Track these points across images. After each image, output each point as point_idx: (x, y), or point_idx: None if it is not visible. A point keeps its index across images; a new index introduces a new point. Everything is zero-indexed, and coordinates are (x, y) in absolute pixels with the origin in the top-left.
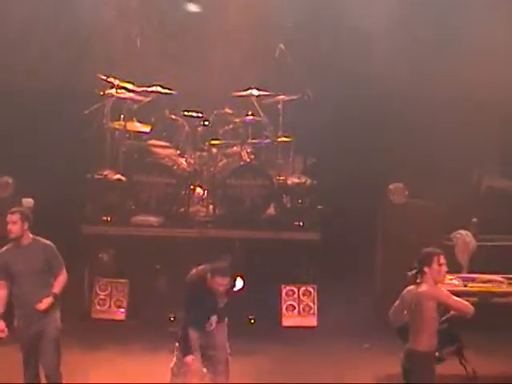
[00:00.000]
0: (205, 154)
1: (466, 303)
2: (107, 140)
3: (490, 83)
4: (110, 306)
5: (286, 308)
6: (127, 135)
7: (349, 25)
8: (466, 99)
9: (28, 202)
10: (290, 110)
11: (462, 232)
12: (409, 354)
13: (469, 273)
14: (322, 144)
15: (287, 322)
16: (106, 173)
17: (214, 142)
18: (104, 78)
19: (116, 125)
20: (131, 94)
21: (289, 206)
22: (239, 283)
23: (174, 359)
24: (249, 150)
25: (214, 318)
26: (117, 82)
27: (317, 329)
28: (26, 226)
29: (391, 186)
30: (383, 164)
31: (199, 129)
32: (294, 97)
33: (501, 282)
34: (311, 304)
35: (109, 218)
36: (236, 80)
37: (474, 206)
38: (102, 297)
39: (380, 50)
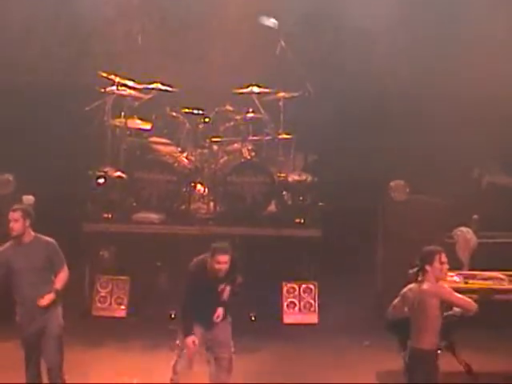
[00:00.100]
0: (206, 151)
1: (469, 300)
2: (108, 137)
3: (490, 80)
4: (110, 304)
5: (287, 305)
6: (128, 132)
7: (350, 22)
8: (466, 96)
9: (29, 199)
10: (291, 107)
11: (463, 229)
12: (412, 352)
13: (470, 270)
14: (322, 141)
15: (288, 319)
16: (107, 170)
17: (214, 139)
18: (105, 75)
19: (117, 122)
20: (132, 91)
21: (290, 203)
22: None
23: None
24: (250, 147)
25: (220, 310)
26: (118, 79)
27: (317, 326)
28: (27, 224)
29: (392, 183)
30: (384, 161)
31: (200, 126)
32: (295, 94)
33: (502, 279)
34: (312, 301)
35: (110, 215)
36: (237, 77)
37: (474, 203)
38: (102, 294)
39: (381, 47)
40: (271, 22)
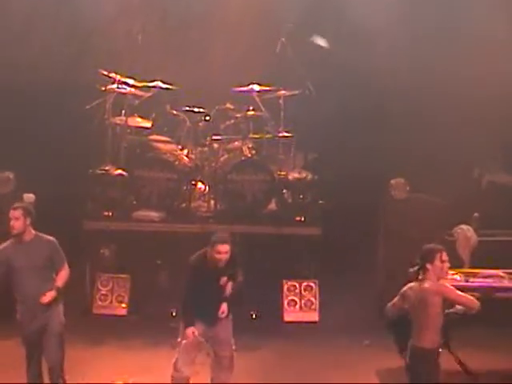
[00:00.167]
0: (206, 149)
1: (471, 298)
2: (108, 135)
3: (491, 79)
4: (111, 302)
5: (288, 303)
6: (128, 130)
7: (350, 20)
8: (467, 94)
9: (29, 197)
10: (292, 105)
11: (464, 227)
12: (413, 350)
13: (470, 268)
14: (323, 139)
15: (289, 317)
16: (107, 168)
17: (215, 137)
18: (105, 73)
19: (117, 120)
20: (132, 90)
21: (290, 201)
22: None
23: (177, 355)
24: (250, 145)
25: (224, 306)
26: (118, 78)
27: (318, 324)
28: (28, 222)
29: (392, 181)
30: (384, 159)
31: (200, 124)
32: (296, 92)
33: (502, 277)
34: (313, 299)
35: (110, 214)
36: (237, 75)
37: (475, 201)
38: (103, 292)
39: (382, 46)
40: (323, 41)
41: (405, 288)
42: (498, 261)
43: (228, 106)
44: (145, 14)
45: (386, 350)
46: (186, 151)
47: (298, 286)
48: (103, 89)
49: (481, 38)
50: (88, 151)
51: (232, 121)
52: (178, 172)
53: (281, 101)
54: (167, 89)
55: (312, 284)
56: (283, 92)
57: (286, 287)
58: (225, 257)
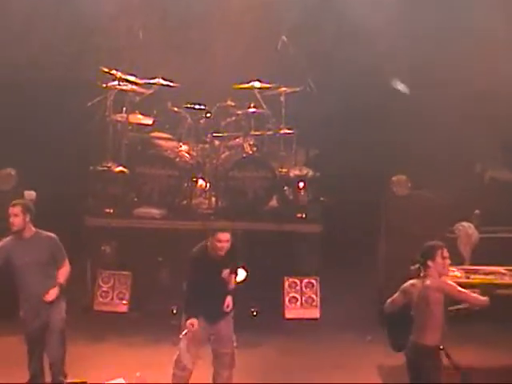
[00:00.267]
0: (207, 146)
1: (474, 295)
2: (110, 132)
3: (492, 76)
4: (112, 298)
5: (289, 300)
6: (130, 127)
7: (351, 17)
8: (468, 91)
9: (30, 194)
10: (293, 102)
11: (465, 224)
12: (416, 348)
13: (471, 265)
14: (324, 136)
15: (290, 314)
16: (108, 165)
17: (216, 134)
18: (106, 70)
19: (118, 117)
20: (134, 87)
21: (291, 197)
22: (242, 274)
23: (178, 352)
24: (251, 142)
25: (229, 299)
26: (119, 75)
27: (319, 321)
28: (27, 219)
29: (394, 178)
30: (386, 156)
31: (201, 121)
32: (297, 89)
33: (503, 273)
34: (314, 296)
35: (111, 210)
36: (238, 72)
37: (476, 198)
38: (104, 289)
39: (382, 42)
40: (403, 87)
41: (406, 284)
42: (499, 258)
43: (229, 102)
44: (146, 11)
45: (389, 345)
46: (187, 148)
47: (299, 282)
48: (104, 86)
49: (481, 35)
50: (89, 148)
51: (233, 118)
52: (179, 169)
53: (282, 98)
54: (168, 86)
55: (313, 281)
56: (284, 89)
57: (287, 284)
58: (226, 245)
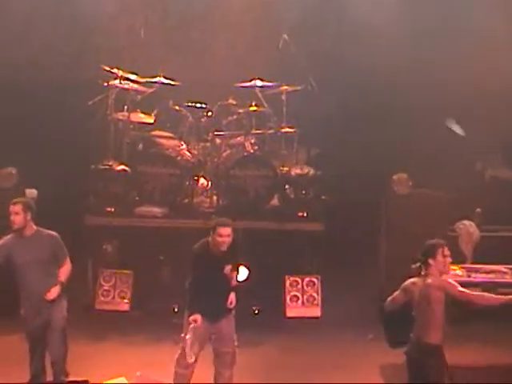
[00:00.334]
0: (208, 144)
1: (475, 293)
2: (111, 131)
3: (493, 74)
4: (113, 297)
5: (290, 299)
6: (131, 126)
7: (352, 15)
8: (469, 89)
9: (31, 192)
10: (294, 101)
11: (466, 222)
12: (418, 346)
13: (472, 263)
14: (325, 135)
15: (291, 312)
16: (110, 163)
17: (217, 132)
18: (108, 68)
19: (120, 116)
20: (135, 85)
21: (292, 196)
22: (243, 272)
23: (179, 350)
24: (252, 141)
25: (233, 296)
26: (120, 73)
27: (320, 319)
28: (28, 217)
29: (395, 177)
30: (387, 155)
31: (203, 120)
32: (298, 87)
33: (504, 272)
34: (315, 294)
35: (113, 209)
36: (240, 71)
37: (477, 197)
38: (106, 288)
39: (384, 41)
40: (458, 128)
41: (406, 282)
42: (501, 256)
43: (230, 101)
44: (147, 10)
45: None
46: (188, 147)
47: (300, 281)
48: (105, 84)
49: (482, 34)
50: (90, 147)
51: (234, 116)
52: (180, 167)
53: (283, 96)
54: (169, 84)
55: (314, 279)
56: (286, 87)
57: (288, 282)
58: (227, 240)
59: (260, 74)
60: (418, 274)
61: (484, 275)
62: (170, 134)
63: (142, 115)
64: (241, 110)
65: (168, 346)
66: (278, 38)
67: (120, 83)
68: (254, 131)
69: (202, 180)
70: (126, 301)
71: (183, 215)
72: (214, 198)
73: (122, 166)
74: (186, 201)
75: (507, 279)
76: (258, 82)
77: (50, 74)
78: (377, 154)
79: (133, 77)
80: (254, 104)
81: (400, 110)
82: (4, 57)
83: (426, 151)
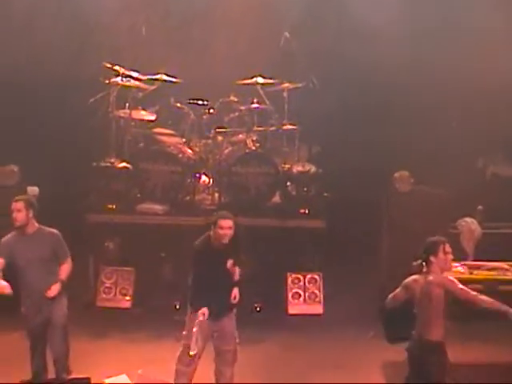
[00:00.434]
0: (210, 141)
1: (474, 293)
2: (112, 128)
3: (494, 71)
4: (115, 295)
5: (292, 296)
6: (132, 123)
7: (353, 13)
8: (470, 86)
9: (33, 190)
10: (296, 98)
11: (468, 219)
12: (420, 343)
13: (474, 260)
14: (327, 132)
15: (293, 309)
16: (111, 161)
17: (219, 129)
18: (109, 66)
19: (121, 113)
20: (136, 82)
21: (294, 193)
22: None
23: (181, 348)
24: (254, 138)
25: (236, 290)
26: (122, 71)
27: (322, 316)
28: (30, 214)
29: (396, 174)
30: (388, 152)
31: (204, 117)
32: (300, 84)
33: (506, 269)
34: (317, 292)
35: (114, 206)
36: (241, 68)
37: (479, 194)
38: (107, 285)
39: (385, 38)
40: None
41: (408, 279)
42: (502, 253)
43: (232, 98)
44: (149, 7)
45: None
46: (190, 144)
47: (302, 278)
48: (107, 82)
49: (483, 30)
50: (92, 144)
51: (236, 113)
52: (182, 165)
53: (285, 93)
54: (171, 81)
55: (316, 276)
56: (287, 85)
57: (290, 280)
58: (229, 232)
59: (261, 71)
60: (420, 272)
61: (486, 272)
62: (172, 132)
63: (143, 112)
64: (242, 107)
65: (169, 344)
66: (279, 36)
67: (121, 80)
68: (255, 128)
69: (203, 177)
70: (127, 298)
71: (185, 212)
72: (216, 195)
73: (124, 164)
74: (188, 198)
75: (509, 276)
76: (260, 80)
77: (51, 71)
78: (378, 152)
79: (134, 74)
80: (255, 101)
81: (401, 108)
82: (5, 55)
83: (427, 149)
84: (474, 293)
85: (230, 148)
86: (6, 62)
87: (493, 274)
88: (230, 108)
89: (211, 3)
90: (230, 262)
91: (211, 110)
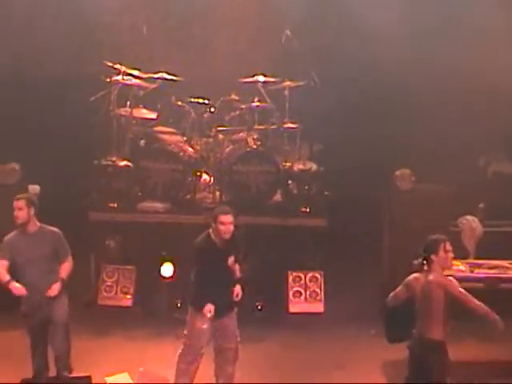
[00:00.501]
0: (211, 140)
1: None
2: (114, 126)
3: (495, 68)
4: (116, 293)
5: (293, 294)
6: (134, 122)
7: (354, 11)
8: (472, 84)
9: (34, 188)
10: (297, 96)
11: (469, 218)
12: (421, 342)
13: (475, 259)
14: (328, 130)
15: (294, 308)
16: (112, 159)
17: (220, 128)
18: (110, 64)
19: (122, 111)
20: (137, 81)
21: (295, 192)
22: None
23: (182, 346)
24: (255, 137)
25: (238, 287)
26: (123, 69)
27: (323, 315)
28: (32, 212)
29: (398, 172)
30: (390, 150)
31: (205, 115)
32: (301, 83)
33: (507, 267)
34: (318, 290)
35: (115, 205)
36: (242, 66)
37: (480, 192)
38: (108, 283)
39: (385, 37)
40: None
41: (409, 278)
42: (504, 251)
43: (233, 97)
44: (149, 6)
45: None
46: (191, 142)
47: (303, 276)
48: (108, 80)
49: (484, 28)
50: (93, 142)
51: (237, 112)
52: (183, 163)
53: (286, 92)
54: (172, 80)
55: (317, 275)
56: (288, 83)
57: (291, 278)
58: (229, 227)
59: (262, 69)
60: (421, 270)
61: (487, 270)
62: (173, 130)
63: (144, 111)
64: (243, 106)
65: (170, 342)
66: (280, 34)
67: (122, 79)
68: (256, 127)
69: (204, 176)
70: (128, 296)
71: (186, 211)
72: (217, 193)
73: (125, 162)
74: (189, 196)
75: (510, 274)
76: (261, 78)
77: (52, 70)
78: (379, 150)
79: (135, 72)
80: (256, 99)
81: (402, 106)
82: (5, 55)
83: (428, 147)
84: (472, 298)
85: (230, 146)
86: (7, 62)
87: (494, 272)
88: (231, 106)
89: (212, 1)
90: (231, 259)
91: (212, 109)
